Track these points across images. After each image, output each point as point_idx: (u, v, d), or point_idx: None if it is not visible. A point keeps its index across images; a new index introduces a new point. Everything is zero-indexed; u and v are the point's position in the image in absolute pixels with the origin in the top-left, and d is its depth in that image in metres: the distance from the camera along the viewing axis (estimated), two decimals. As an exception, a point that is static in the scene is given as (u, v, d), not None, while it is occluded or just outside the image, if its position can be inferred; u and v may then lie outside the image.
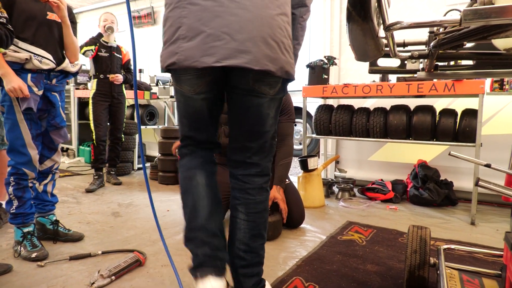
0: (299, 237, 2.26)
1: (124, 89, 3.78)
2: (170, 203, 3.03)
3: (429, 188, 3.02)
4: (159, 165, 3.88)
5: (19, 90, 1.76)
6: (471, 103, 2.94)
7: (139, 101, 4.72)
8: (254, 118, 1.22)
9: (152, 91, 4.76)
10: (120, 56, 3.68)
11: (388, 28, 0.82)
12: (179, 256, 1.92)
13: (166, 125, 5.12)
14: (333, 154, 3.87)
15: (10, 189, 1.87)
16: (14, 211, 1.88)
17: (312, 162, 2.96)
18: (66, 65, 1.98)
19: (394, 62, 1.43)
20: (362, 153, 3.76)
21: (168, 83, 4.48)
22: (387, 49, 1.06)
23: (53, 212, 2.16)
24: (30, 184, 1.93)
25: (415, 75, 1.70)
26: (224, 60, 1.06)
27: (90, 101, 3.54)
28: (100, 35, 3.50)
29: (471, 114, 2.69)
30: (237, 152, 1.30)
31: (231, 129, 1.32)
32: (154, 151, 5.35)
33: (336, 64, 3.29)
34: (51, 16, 1.93)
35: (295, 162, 4.86)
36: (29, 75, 1.84)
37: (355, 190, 3.48)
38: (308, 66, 3.31)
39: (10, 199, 1.88)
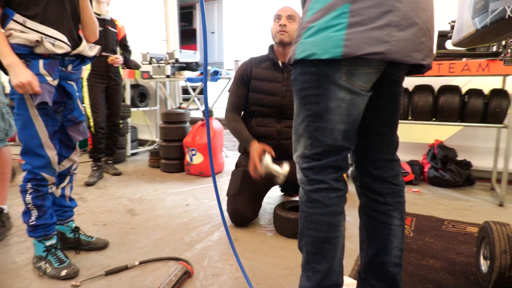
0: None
1: (121, 69, 3.41)
2: (185, 195, 2.81)
3: (451, 169, 2.98)
4: (162, 152, 3.60)
5: (28, 86, 1.44)
6: (490, 83, 2.89)
7: (130, 80, 4.33)
8: (398, 107, 1.15)
9: (142, 69, 4.39)
10: (115, 31, 3.28)
11: None
12: (226, 262, 1.74)
13: (158, 106, 4.78)
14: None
15: (28, 197, 1.58)
16: (34, 222, 1.61)
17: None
18: (83, 48, 1.66)
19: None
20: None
21: (162, 61, 4.11)
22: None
23: (73, 218, 1.89)
24: (50, 190, 1.65)
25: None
26: (427, 58, 0.99)
27: (85, 83, 3.12)
28: None
29: (500, 94, 2.63)
30: (384, 150, 1.16)
31: (377, 125, 1.15)
32: (145, 135, 5.02)
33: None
34: None
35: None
36: (41, 62, 1.52)
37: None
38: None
39: (27, 209, 1.60)
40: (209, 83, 3.78)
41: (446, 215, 2.37)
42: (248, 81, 2.23)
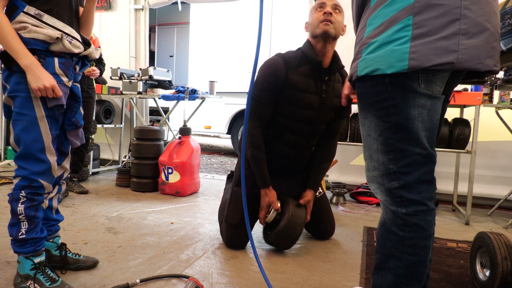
0: (334, 246, 2.17)
1: (94, 82, 3.23)
2: (166, 214, 2.67)
3: (419, 191, 3.20)
4: (133, 170, 3.41)
5: (50, 90, 1.34)
6: (449, 112, 3.22)
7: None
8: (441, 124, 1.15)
9: (108, 84, 4.20)
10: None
11: None
12: (234, 278, 1.67)
13: (122, 124, 4.56)
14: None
15: (20, 207, 1.39)
16: (23, 236, 1.41)
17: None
18: (92, 50, 1.57)
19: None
20: (344, 157, 3.84)
21: (133, 77, 3.97)
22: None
23: (59, 234, 1.70)
24: (44, 201, 1.48)
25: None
26: (498, 64, 0.96)
27: None
28: None
29: (462, 123, 2.93)
30: None
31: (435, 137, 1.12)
32: (106, 154, 4.72)
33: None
34: None
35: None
36: (57, 60, 1.40)
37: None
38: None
39: (17, 221, 1.41)
40: (185, 102, 3.73)
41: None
42: (281, 87, 1.85)
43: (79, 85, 1.59)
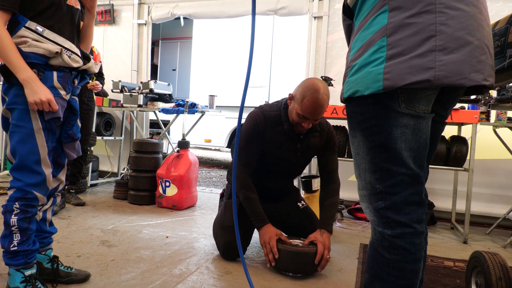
0: (329, 263, 2.14)
1: (94, 95, 3.27)
2: (161, 228, 2.65)
3: (417, 209, 3.18)
4: (131, 182, 3.41)
5: (47, 104, 1.36)
6: (447, 130, 3.22)
7: (97, 107, 4.15)
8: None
9: (110, 97, 4.25)
10: (92, 57, 3.19)
11: None
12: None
13: (122, 136, 4.59)
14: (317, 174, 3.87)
15: (13, 219, 1.40)
16: (15, 248, 1.41)
17: (316, 183, 2.89)
18: (92, 64, 1.60)
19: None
20: (342, 173, 3.82)
21: (134, 91, 4.02)
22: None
23: (51, 246, 1.70)
24: (38, 212, 1.48)
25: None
26: (489, 78, 0.92)
27: None
28: None
29: (460, 140, 2.93)
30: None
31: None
32: (105, 166, 4.73)
33: (332, 85, 3.32)
34: (70, 1, 1.55)
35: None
36: (55, 74, 1.43)
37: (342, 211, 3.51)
38: (305, 85, 3.27)
39: (10, 232, 1.41)
40: (184, 115, 3.76)
41: (421, 250, 2.49)
42: (260, 140, 2.04)
43: (77, 99, 1.61)
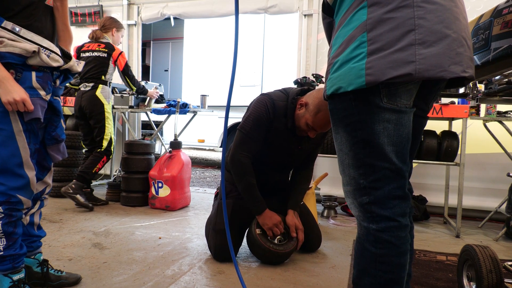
0: (322, 260, 2.14)
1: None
2: (154, 229, 2.64)
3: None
4: (123, 184, 3.39)
5: (21, 103, 1.33)
6: (438, 125, 3.24)
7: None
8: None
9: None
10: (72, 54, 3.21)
11: None
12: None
13: (115, 138, 4.54)
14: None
15: (-2, 223, 1.38)
16: (1, 253, 1.39)
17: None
18: (73, 63, 1.57)
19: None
20: (335, 171, 3.83)
21: (125, 92, 3.99)
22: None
23: (41, 250, 1.67)
24: (24, 216, 1.46)
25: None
26: (468, 69, 0.93)
27: (109, 111, 3.36)
28: None
29: (451, 135, 2.95)
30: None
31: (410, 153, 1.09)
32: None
33: (323, 83, 3.31)
34: (49, 1, 1.51)
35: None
36: (34, 74, 1.40)
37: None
38: (296, 82, 3.27)
39: (-5, 237, 1.39)
40: (176, 116, 3.74)
41: (415, 246, 2.50)
42: (267, 127, 1.98)
43: (60, 99, 1.59)
